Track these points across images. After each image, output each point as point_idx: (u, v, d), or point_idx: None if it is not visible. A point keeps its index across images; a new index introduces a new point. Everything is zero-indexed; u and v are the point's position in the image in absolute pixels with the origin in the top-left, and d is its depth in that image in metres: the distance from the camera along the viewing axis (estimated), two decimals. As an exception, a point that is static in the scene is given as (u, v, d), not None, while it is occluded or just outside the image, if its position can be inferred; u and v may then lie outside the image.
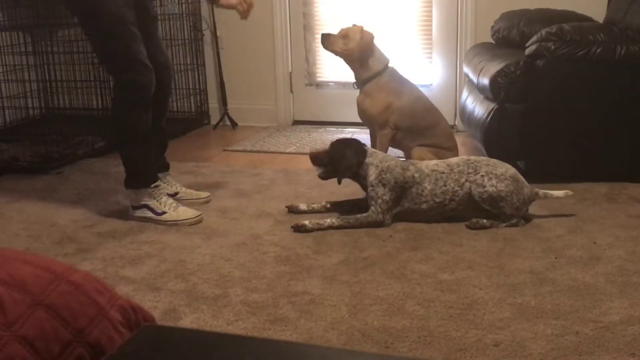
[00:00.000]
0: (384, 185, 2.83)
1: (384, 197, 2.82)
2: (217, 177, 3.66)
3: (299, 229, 2.81)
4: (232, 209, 3.14)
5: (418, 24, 4.70)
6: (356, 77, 3.45)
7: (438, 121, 3.46)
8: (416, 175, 2.84)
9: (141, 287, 2.35)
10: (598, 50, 3.17)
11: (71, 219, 3.06)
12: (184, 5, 4.82)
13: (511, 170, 2.85)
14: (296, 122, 5.00)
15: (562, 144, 3.36)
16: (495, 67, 3.41)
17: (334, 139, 3.02)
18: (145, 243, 2.76)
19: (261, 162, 4.00)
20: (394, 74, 3.44)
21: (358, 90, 3.47)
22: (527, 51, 3.33)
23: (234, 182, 3.59)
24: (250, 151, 4.26)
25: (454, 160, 2.92)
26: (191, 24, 4.91)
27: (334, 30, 3.48)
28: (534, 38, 3.30)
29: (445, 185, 2.83)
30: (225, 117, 4.99)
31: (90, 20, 2.87)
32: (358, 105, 3.45)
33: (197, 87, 4.96)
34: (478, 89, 3.68)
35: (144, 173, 3.01)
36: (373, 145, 3.48)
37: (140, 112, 2.93)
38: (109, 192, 3.46)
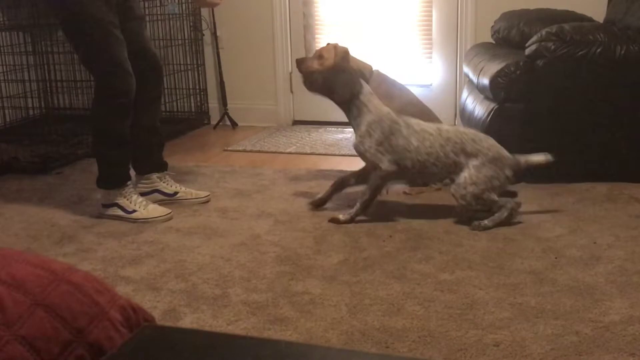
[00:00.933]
0: (370, 136, 2.84)
1: (371, 150, 2.84)
2: (217, 177, 3.66)
3: (334, 221, 2.89)
4: (232, 209, 3.14)
5: (418, 24, 4.70)
6: None
7: (432, 122, 3.44)
8: (404, 130, 2.85)
9: (141, 287, 2.35)
10: (598, 50, 3.17)
11: (71, 219, 3.07)
12: (184, 5, 4.82)
13: (493, 149, 2.84)
14: (296, 122, 5.00)
15: (562, 144, 3.36)
16: (495, 67, 3.41)
17: (333, 65, 3.00)
18: (145, 243, 2.77)
19: (261, 162, 4.00)
20: (382, 79, 3.41)
21: None
22: (527, 51, 3.33)
23: (234, 182, 3.59)
24: (250, 151, 4.26)
25: (444, 126, 2.94)
26: (191, 24, 4.91)
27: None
28: (534, 38, 3.30)
29: (431, 147, 2.83)
30: (225, 117, 4.99)
31: (71, 24, 2.88)
32: None
33: (197, 87, 4.96)
34: (478, 89, 3.68)
35: (118, 174, 3.04)
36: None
37: (118, 117, 2.94)
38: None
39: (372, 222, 2.92)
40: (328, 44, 3.42)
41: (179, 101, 4.88)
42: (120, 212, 3.01)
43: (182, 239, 2.81)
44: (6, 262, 1.09)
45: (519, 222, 2.86)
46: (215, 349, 1.07)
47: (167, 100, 4.79)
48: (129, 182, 3.06)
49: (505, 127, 3.38)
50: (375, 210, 3.05)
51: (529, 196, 3.21)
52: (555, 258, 2.51)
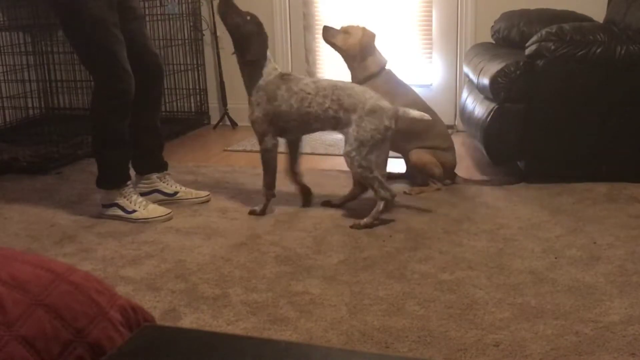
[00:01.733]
0: (258, 105, 2.92)
1: (259, 119, 2.93)
2: (217, 177, 3.66)
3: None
4: (232, 209, 3.14)
5: (418, 24, 4.70)
6: (352, 76, 3.44)
7: (434, 123, 3.44)
8: (285, 94, 2.90)
9: (141, 287, 2.35)
10: (598, 50, 3.17)
11: (71, 219, 3.06)
12: (184, 5, 4.81)
13: (370, 102, 2.84)
14: (296, 122, 4.99)
15: (562, 144, 3.36)
16: (495, 67, 3.41)
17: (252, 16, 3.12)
18: (145, 243, 2.76)
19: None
20: (390, 77, 3.42)
21: None
22: (527, 51, 3.33)
23: (234, 182, 3.59)
24: (250, 151, 4.25)
25: (323, 82, 2.95)
26: (191, 24, 4.90)
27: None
28: (534, 38, 3.30)
29: (309, 107, 2.88)
30: (225, 117, 4.99)
31: (71, 24, 2.87)
32: None
33: (197, 87, 4.96)
34: (478, 89, 3.68)
35: (118, 175, 3.04)
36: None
37: (118, 116, 2.94)
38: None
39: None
40: (357, 25, 3.44)
41: (179, 101, 4.88)
42: (120, 212, 3.01)
43: (182, 239, 2.81)
44: (6, 262, 1.09)
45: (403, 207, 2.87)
46: (215, 349, 1.07)
47: (167, 100, 4.78)
48: (128, 182, 3.06)
49: (505, 127, 3.38)
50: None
51: (529, 196, 3.22)
52: (555, 258, 2.51)
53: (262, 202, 3.04)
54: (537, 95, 3.31)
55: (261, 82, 2.93)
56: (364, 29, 3.39)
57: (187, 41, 4.87)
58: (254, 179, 3.62)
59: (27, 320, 1.00)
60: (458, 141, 3.86)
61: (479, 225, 2.87)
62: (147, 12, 4.40)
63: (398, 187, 3.38)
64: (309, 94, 2.88)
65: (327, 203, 3.15)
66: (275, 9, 4.84)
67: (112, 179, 3.03)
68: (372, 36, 3.39)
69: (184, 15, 4.84)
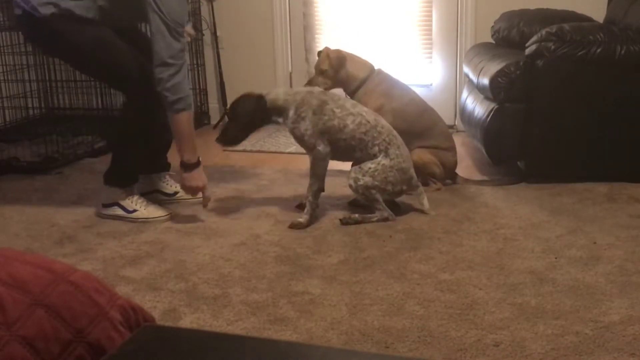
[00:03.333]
0: (304, 119, 2.86)
1: (308, 132, 2.86)
2: (217, 177, 3.66)
3: (295, 226, 2.85)
4: (232, 209, 3.14)
5: (418, 24, 4.70)
6: (345, 90, 3.45)
7: (435, 122, 3.45)
8: (337, 110, 2.87)
9: (141, 287, 2.35)
10: (598, 50, 3.17)
11: (71, 219, 3.06)
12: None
13: (406, 162, 2.93)
14: (296, 122, 5.00)
15: (562, 144, 3.36)
16: (495, 67, 3.41)
17: (229, 107, 3.06)
18: (145, 243, 2.76)
19: (261, 162, 4.00)
20: (382, 77, 3.42)
21: None
22: (527, 51, 3.33)
23: (234, 182, 3.59)
24: (250, 151, 4.26)
25: (383, 120, 2.96)
26: (191, 24, 4.90)
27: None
28: (534, 38, 3.30)
29: (365, 135, 2.88)
30: (225, 117, 4.99)
31: (74, 54, 2.91)
32: None
33: (197, 87, 4.96)
34: (478, 89, 3.68)
35: (130, 174, 3.05)
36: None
37: (150, 117, 2.95)
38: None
39: (372, 222, 2.92)
40: (320, 53, 3.44)
41: (178, 101, 4.87)
42: (120, 212, 3.01)
43: (182, 239, 2.81)
44: (6, 262, 1.09)
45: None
46: (215, 349, 1.07)
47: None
48: (134, 185, 3.06)
49: (505, 127, 3.39)
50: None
51: (529, 196, 3.22)
52: (555, 258, 2.51)
53: (307, 213, 2.90)
54: (537, 95, 3.31)
55: (293, 102, 2.87)
56: (327, 53, 3.39)
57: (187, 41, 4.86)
58: (254, 179, 3.63)
59: (27, 320, 1.00)
60: (458, 141, 3.85)
61: (479, 225, 2.87)
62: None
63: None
64: (368, 122, 2.89)
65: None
66: (275, 9, 4.84)
67: (124, 177, 3.04)
68: (335, 55, 3.37)
69: (184, 15, 4.83)
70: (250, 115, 2.91)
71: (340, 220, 2.90)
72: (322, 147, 2.88)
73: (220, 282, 2.37)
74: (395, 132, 2.97)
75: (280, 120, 2.94)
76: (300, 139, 2.93)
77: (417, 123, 3.40)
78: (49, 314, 1.02)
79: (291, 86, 4.95)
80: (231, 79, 4.98)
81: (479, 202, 3.16)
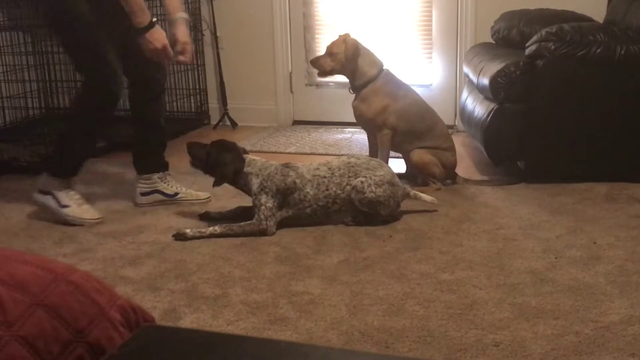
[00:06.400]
0: (266, 194, 2.81)
1: (267, 205, 2.79)
2: (217, 177, 3.66)
3: (179, 237, 2.78)
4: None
5: (418, 24, 4.70)
6: (352, 83, 3.44)
7: (435, 123, 3.45)
8: (297, 181, 2.84)
9: (141, 287, 2.35)
10: (598, 50, 3.17)
11: (71, 219, 3.06)
12: (183, 6, 4.81)
13: (388, 174, 2.90)
14: (296, 122, 5.00)
15: (562, 144, 3.36)
16: (495, 67, 3.41)
17: (216, 139, 2.99)
18: (145, 243, 2.76)
19: (261, 162, 3.99)
20: (389, 77, 3.42)
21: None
22: (527, 51, 3.33)
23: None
24: (250, 151, 4.24)
25: (335, 163, 2.92)
26: (191, 24, 4.90)
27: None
28: (534, 38, 3.30)
29: (327, 190, 2.85)
30: (225, 117, 4.99)
31: (62, 24, 2.88)
32: (354, 110, 3.45)
33: (197, 87, 4.96)
34: (478, 89, 3.68)
35: (72, 167, 3.03)
36: (373, 149, 3.48)
37: (100, 115, 2.95)
38: (108, 192, 3.46)
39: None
40: (339, 36, 3.43)
41: (179, 101, 4.87)
42: (52, 203, 2.99)
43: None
44: (6, 262, 1.09)
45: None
46: (215, 349, 1.07)
47: (167, 100, 4.77)
48: (74, 179, 3.05)
49: (505, 127, 3.38)
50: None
51: (529, 196, 3.22)
52: (555, 258, 2.51)
53: (200, 233, 2.81)
54: (537, 95, 3.31)
55: (261, 177, 2.82)
56: (345, 40, 3.38)
57: (187, 41, 4.86)
58: (254, 179, 3.62)
59: (27, 320, 1.00)
60: (458, 141, 3.86)
61: (479, 225, 2.87)
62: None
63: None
64: (324, 177, 2.86)
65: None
66: (275, 9, 4.84)
67: (65, 168, 3.02)
68: (353, 43, 3.37)
69: (184, 15, 4.83)
70: (217, 162, 2.86)
71: (344, 222, 2.89)
72: (270, 227, 2.79)
73: (220, 282, 2.37)
74: (354, 160, 2.92)
75: (244, 186, 2.88)
76: (256, 207, 2.81)
77: (418, 124, 3.40)
78: (49, 314, 1.02)
79: (291, 87, 4.96)
80: (231, 79, 4.98)
81: (479, 202, 3.16)
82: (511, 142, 3.41)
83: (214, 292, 2.30)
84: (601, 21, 3.85)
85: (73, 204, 2.99)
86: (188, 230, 2.80)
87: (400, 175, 3.53)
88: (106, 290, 1.13)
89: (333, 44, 3.42)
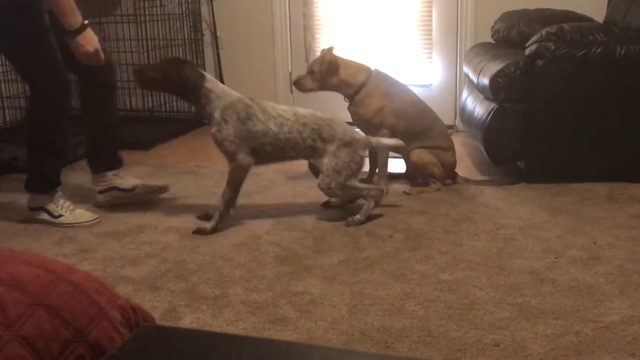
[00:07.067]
0: (225, 122, 2.79)
1: (229, 138, 2.80)
2: (217, 177, 3.66)
3: (200, 232, 2.83)
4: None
5: (418, 24, 4.70)
6: (344, 95, 3.42)
7: (434, 122, 3.45)
8: (260, 115, 2.82)
9: (141, 287, 2.35)
10: (598, 50, 3.17)
11: (71, 219, 3.06)
12: (184, 6, 4.82)
13: (347, 134, 2.88)
14: (296, 122, 4.99)
15: (562, 144, 3.36)
16: (495, 67, 3.41)
17: (167, 58, 2.98)
18: (145, 243, 2.76)
19: (261, 162, 3.99)
20: (382, 79, 3.39)
21: None
22: (527, 51, 3.33)
23: (234, 182, 3.58)
24: (250, 151, 4.25)
25: (301, 111, 2.92)
26: (191, 24, 4.91)
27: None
28: (534, 38, 3.30)
29: (289, 133, 2.84)
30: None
31: (12, 30, 2.79)
32: (351, 115, 3.43)
33: (197, 87, 4.95)
34: (478, 89, 3.68)
35: (49, 181, 3.01)
36: (372, 149, 3.47)
37: (57, 126, 2.92)
38: (109, 192, 3.46)
39: (372, 222, 2.92)
40: (321, 51, 3.42)
41: (179, 101, 4.87)
42: (46, 217, 2.99)
43: (182, 239, 2.80)
44: (6, 262, 1.09)
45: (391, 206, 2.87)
46: (215, 349, 1.07)
47: (167, 100, 4.79)
48: (58, 188, 3.03)
49: (505, 127, 3.39)
50: (376, 210, 3.05)
51: (529, 196, 3.22)
52: (555, 258, 2.51)
53: (215, 220, 2.85)
54: (537, 95, 3.31)
55: (224, 102, 2.80)
56: (323, 55, 3.34)
57: (187, 41, 4.87)
58: (254, 179, 3.62)
59: (27, 320, 1.00)
60: (458, 141, 3.86)
61: (479, 225, 2.87)
62: (147, 12, 4.41)
63: (398, 187, 3.38)
64: (288, 119, 2.84)
65: (327, 203, 3.15)
66: (275, 9, 4.84)
67: (43, 185, 3.00)
68: (330, 59, 3.31)
69: (184, 15, 4.84)
70: (178, 78, 2.80)
71: (345, 223, 2.90)
72: (241, 157, 2.83)
73: (220, 282, 2.37)
74: (320, 115, 2.92)
75: (205, 104, 2.82)
76: (220, 145, 2.85)
77: (416, 123, 3.39)
78: (49, 314, 1.02)
79: (291, 87, 4.95)
80: (231, 79, 4.98)
81: (479, 202, 3.16)
82: (511, 142, 3.41)
83: (214, 292, 2.30)
84: (601, 21, 3.86)
85: (65, 212, 2.99)
86: (207, 225, 2.84)
87: (400, 175, 3.55)
88: (106, 290, 1.13)
89: (313, 62, 3.40)
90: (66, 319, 1.04)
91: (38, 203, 3.01)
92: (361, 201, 3.02)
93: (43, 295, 1.04)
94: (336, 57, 3.35)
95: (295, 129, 2.84)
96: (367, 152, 2.98)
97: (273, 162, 2.97)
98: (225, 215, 2.88)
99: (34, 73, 2.87)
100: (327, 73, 3.32)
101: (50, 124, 2.91)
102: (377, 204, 2.95)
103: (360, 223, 2.88)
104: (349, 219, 2.90)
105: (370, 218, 2.92)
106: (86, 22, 2.75)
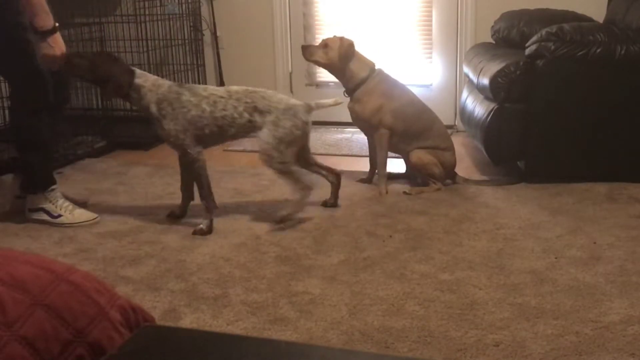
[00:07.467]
0: (164, 117, 2.78)
1: (173, 133, 2.79)
2: (217, 177, 3.65)
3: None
4: (232, 209, 3.14)
5: (418, 24, 4.70)
6: (344, 86, 3.44)
7: (433, 123, 3.45)
8: (192, 99, 2.80)
9: (141, 287, 2.35)
10: (598, 50, 3.17)
11: (71, 219, 3.06)
12: (184, 5, 4.81)
13: (283, 102, 2.85)
14: (296, 122, 4.99)
15: (562, 144, 3.36)
16: (495, 67, 3.41)
17: (98, 50, 2.95)
18: (145, 243, 2.77)
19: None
20: (383, 77, 3.40)
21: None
22: (527, 51, 3.33)
23: (234, 182, 3.58)
24: (250, 151, 4.25)
25: (234, 88, 2.90)
26: (191, 24, 4.90)
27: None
28: (534, 38, 3.30)
29: (225, 110, 2.81)
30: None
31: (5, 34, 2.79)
32: (350, 112, 3.44)
33: (197, 87, 4.96)
34: (478, 89, 3.68)
35: (42, 179, 3.01)
36: (372, 150, 3.47)
37: (39, 121, 2.91)
38: (109, 192, 3.47)
39: (372, 222, 2.92)
40: (335, 36, 3.43)
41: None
42: (45, 217, 2.99)
43: (182, 239, 2.81)
44: (6, 262, 1.09)
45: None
46: (215, 349, 1.07)
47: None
48: (53, 187, 3.03)
49: (505, 127, 3.38)
50: (376, 210, 3.05)
51: (529, 196, 3.22)
52: (555, 258, 2.51)
53: (207, 218, 2.86)
54: (537, 95, 3.31)
55: (156, 94, 2.78)
56: (341, 39, 3.38)
57: (187, 41, 4.87)
58: (254, 179, 3.63)
59: (27, 320, 1.00)
60: (458, 141, 3.86)
61: (479, 225, 2.87)
62: (147, 12, 4.41)
63: (398, 187, 3.38)
64: (221, 97, 2.82)
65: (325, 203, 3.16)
66: (275, 9, 4.84)
67: (36, 183, 3.01)
68: (349, 43, 3.37)
69: (184, 15, 4.84)
70: (107, 73, 2.78)
71: (276, 222, 2.89)
72: (192, 149, 2.82)
73: (220, 282, 2.37)
74: (253, 88, 2.89)
75: (137, 101, 2.81)
76: (166, 140, 2.85)
77: (415, 123, 3.40)
78: (49, 314, 1.02)
79: (291, 87, 4.95)
80: (231, 79, 4.98)
81: (479, 202, 3.16)
82: (511, 142, 3.41)
83: (214, 292, 2.30)
84: (601, 21, 3.86)
85: (64, 212, 3.00)
86: (202, 226, 2.84)
87: (400, 175, 3.55)
88: (106, 290, 1.13)
89: (328, 39, 3.42)
90: (66, 319, 1.04)
91: (36, 203, 3.01)
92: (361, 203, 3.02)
93: (43, 295, 1.04)
94: (354, 44, 3.38)
95: (230, 105, 2.81)
96: (310, 117, 2.90)
97: (215, 144, 2.96)
98: (213, 207, 2.90)
99: (11, 69, 2.88)
100: (344, 54, 3.34)
101: (31, 119, 2.91)
102: (302, 200, 2.90)
103: (288, 218, 2.88)
104: (278, 214, 2.90)
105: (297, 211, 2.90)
106: (57, 24, 2.72)
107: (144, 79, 2.82)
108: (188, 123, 2.79)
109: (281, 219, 2.89)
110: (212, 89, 2.87)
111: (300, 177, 2.90)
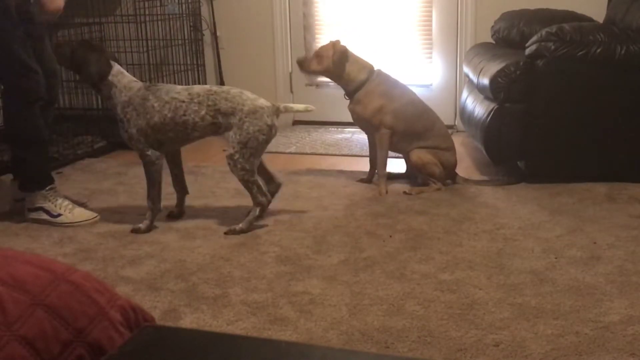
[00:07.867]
0: (128, 121, 2.79)
1: (134, 136, 2.80)
2: (217, 177, 3.66)
3: (135, 231, 2.86)
4: (232, 209, 3.14)
5: (418, 24, 4.70)
6: (344, 89, 3.44)
7: (433, 123, 3.45)
8: (156, 104, 2.78)
9: (141, 287, 2.35)
10: (598, 50, 3.17)
11: (71, 219, 3.06)
12: (184, 5, 4.81)
13: (247, 103, 2.77)
14: (296, 122, 5.00)
15: (562, 144, 3.36)
16: (495, 67, 3.41)
17: (85, 39, 2.96)
18: (145, 243, 2.76)
19: (261, 162, 3.99)
20: (383, 78, 3.40)
21: None
22: (527, 51, 3.33)
23: (234, 182, 3.57)
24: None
25: (196, 89, 2.85)
26: (191, 24, 4.90)
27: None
28: (534, 38, 3.30)
29: (185, 115, 2.77)
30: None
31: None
32: (351, 113, 3.44)
33: (197, 87, 4.96)
34: (478, 89, 3.68)
35: (39, 177, 3.01)
36: (372, 149, 3.47)
37: (32, 116, 2.91)
38: (109, 192, 3.47)
39: (372, 222, 2.92)
40: (329, 41, 3.43)
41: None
42: (45, 216, 2.99)
43: (182, 239, 2.81)
44: (6, 262, 1.09)
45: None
46: (215, 349, 1.07)
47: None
48: (51, 185, 3.03)
49: (505, 127, 3.38)
50: (376, 210, 3.05)
51: (529, 196, 3.22)
52: (555, 258, 2.51)
53: (148, 219, 2.88)
54: (537, 95, 3.31)
55: (124, 97, 2.79)
56: (334, 44, 3.38)
57: (187, 41, 4.87)
58: (254, 179, 3.62)
59: (27, 320, 1.00)
60: (458, 141, 3.85)
61: (479, 225, 2.87)
62: (147, 12, 4.41)
63: (398, 187, 3.38)
64: (182, 102, 2.78)
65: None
66: (275, 9, 4.84)
67: (33, 182, 3.00)
68: (342, 50, 3.36)
69: (184, 15, 4.84)
70: (82, 60, 2.79)
71: (225, 233, 2.84)
72: (150, 152, 2.82)
73: (220, 282, 2.37)
74: (215, 89, 2.84)
75: (107, 98, 2.84)
76: (128, 142, 2.86)
77: (416, 123, 3.40)
78: (49, 313, 1.02)
79: (291, 87, 4.95)
80: (231, 79, 4.98)
81: (479, 202, 3.16)
82: (511, 142, 3.41)
83: (214, 292, 2.30)
84: (601, 21, 3.86)
85: (64, 211, 2.99)
86: (141, 225, 2.87)
87: (400, 175, 3.55)
88: (106, 290, 1.13)
89: (322, 47, 3.43)
90: (66, 319, 1.04)
91: (35, 202, 3.00)
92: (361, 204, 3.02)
93: (43, 295, 1.04)
94: (346, 49, 3.38)
95: (190, 110, 2.77)
96: (276, 121, 2.83)
97: (181, 145, 2.95)
98: (157, 211, 2.91)
99: (2, 64, 2.87)
100: (337, 61, 3.34)
101: (23, 114, 2.91)
102: (260, 215, 2.86)
103: (242, 232, 2.82)
104: (231, 227, 2.85)
105: (251, 229, 2.85)
106: None
107: (119, 78, 2.82)
108: (151, 129, 2.79)
109: (229, 230, 2.85)
110: (174, 92, 2.82)
111: (259, 191, 2.84)
